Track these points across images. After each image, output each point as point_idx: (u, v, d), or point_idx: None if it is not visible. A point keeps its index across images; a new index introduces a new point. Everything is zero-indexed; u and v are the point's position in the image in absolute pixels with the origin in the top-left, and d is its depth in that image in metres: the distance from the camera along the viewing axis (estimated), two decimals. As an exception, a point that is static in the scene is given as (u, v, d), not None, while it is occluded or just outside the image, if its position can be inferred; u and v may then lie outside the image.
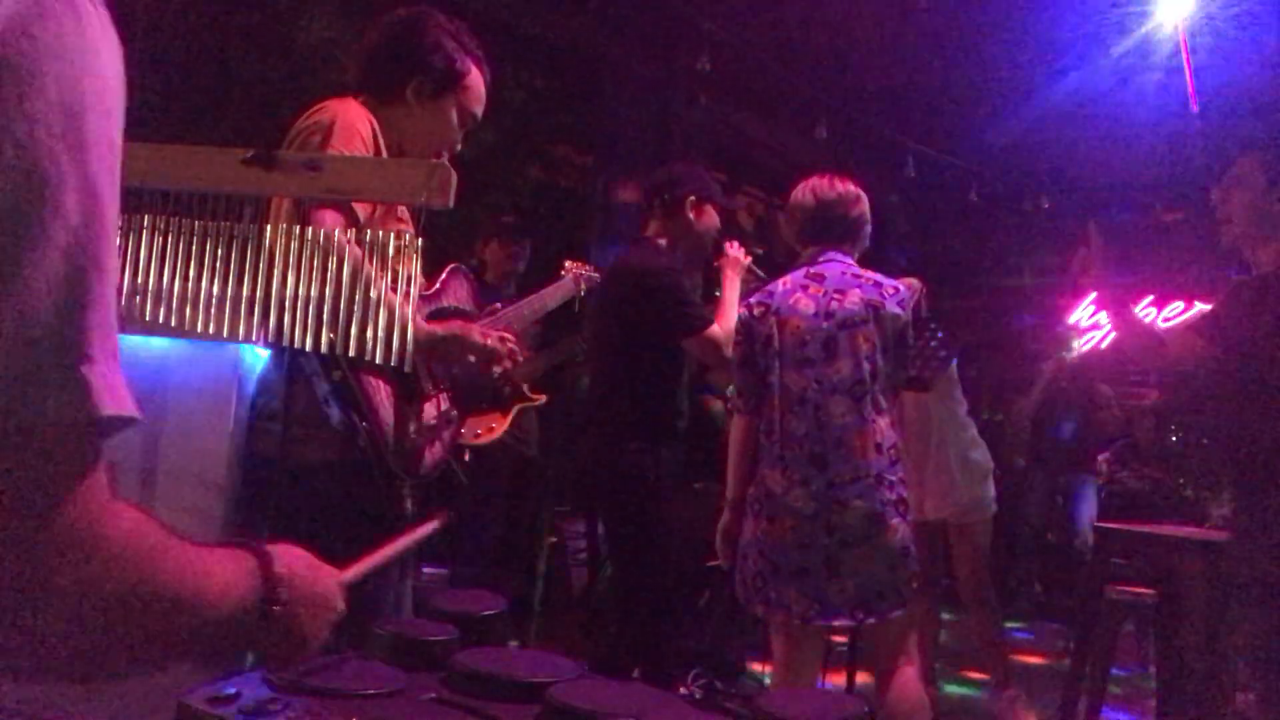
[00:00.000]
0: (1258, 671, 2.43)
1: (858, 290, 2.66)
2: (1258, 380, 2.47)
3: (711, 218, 3.32)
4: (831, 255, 2.75)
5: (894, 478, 2.59)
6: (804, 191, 2.84)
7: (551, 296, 2.78)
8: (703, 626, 4.01)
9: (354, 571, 1.10)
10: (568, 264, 3.02)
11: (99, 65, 0.57)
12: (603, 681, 1.36)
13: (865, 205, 2.83)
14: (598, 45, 5.15)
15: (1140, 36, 4.74)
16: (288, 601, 0.82)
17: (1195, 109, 5.11)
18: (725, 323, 3.13)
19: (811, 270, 2.74)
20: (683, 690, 1.36)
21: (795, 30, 5.01)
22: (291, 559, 0.85)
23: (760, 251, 3.42)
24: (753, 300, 2.82)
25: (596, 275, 3.01)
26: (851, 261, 2.77)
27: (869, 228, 2.85)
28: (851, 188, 2.83)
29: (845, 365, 2.61)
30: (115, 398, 0.56)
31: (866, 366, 2.61)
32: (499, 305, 2.49)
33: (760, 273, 3.33)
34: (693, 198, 3.27)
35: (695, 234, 3.31)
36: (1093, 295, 6.66)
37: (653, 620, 3.16)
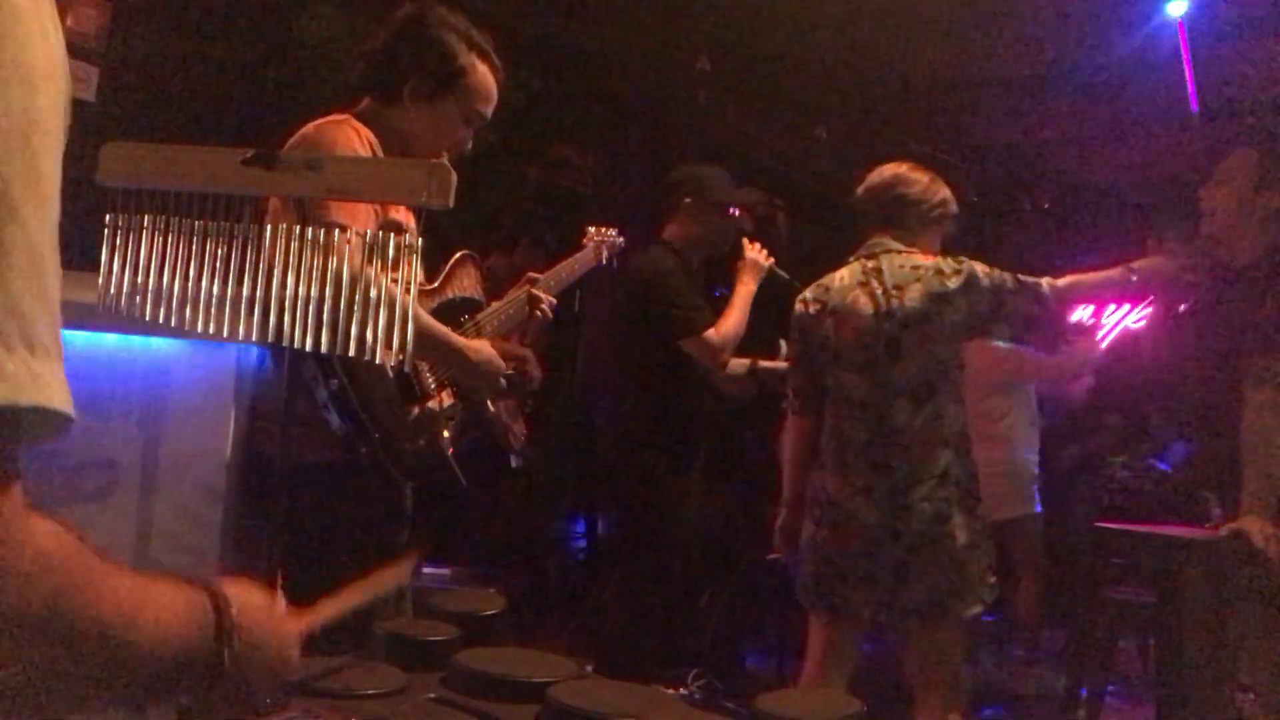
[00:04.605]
0: (1259, 673, 2.43)
1: (918, 284, 2.53)
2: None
3: (714, 219, 3.30)
4: (885, 242, 2.63)
5: (960, 472, 2.49)
6: (868, 177, 2.74)
7: (570, 269, 2.63)
8: (703, 626, 4.00)
9: (315, 619, 1.02)
10: (590, 230, 2.84)
11: (23, 37, 0.52)
12: (603, 681, 1.36)
13: (924, 187, 2.67)
14: (598, 45, 5.14)
15: (1140, 36, 4.73)
16: (239, 650, 0.73)
17: (1195, 109, 5.10)
18: (725, 326, 3.11)
19: (869, 264, 2.61)
20: (683, 690, 1.36)
21: (795, 30, 5.00)
22: (249, 602, 0.76)
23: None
24: (808, 296, 2.71)
25: (621, 240, 2.87)
26: (908, 249, 2.62)
27: (931, 209, 2.68)
28: (916, 171, 2.70)
29: (911, 365, 2.49)
30: (19, 386, 0.50)
31: (934, 365, 2.50)
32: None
33: (785, 275, 3.28)
34: (688, 200, 3.27)
35: (702, 236, 3.30)
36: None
37: (661, 621, 3.17)
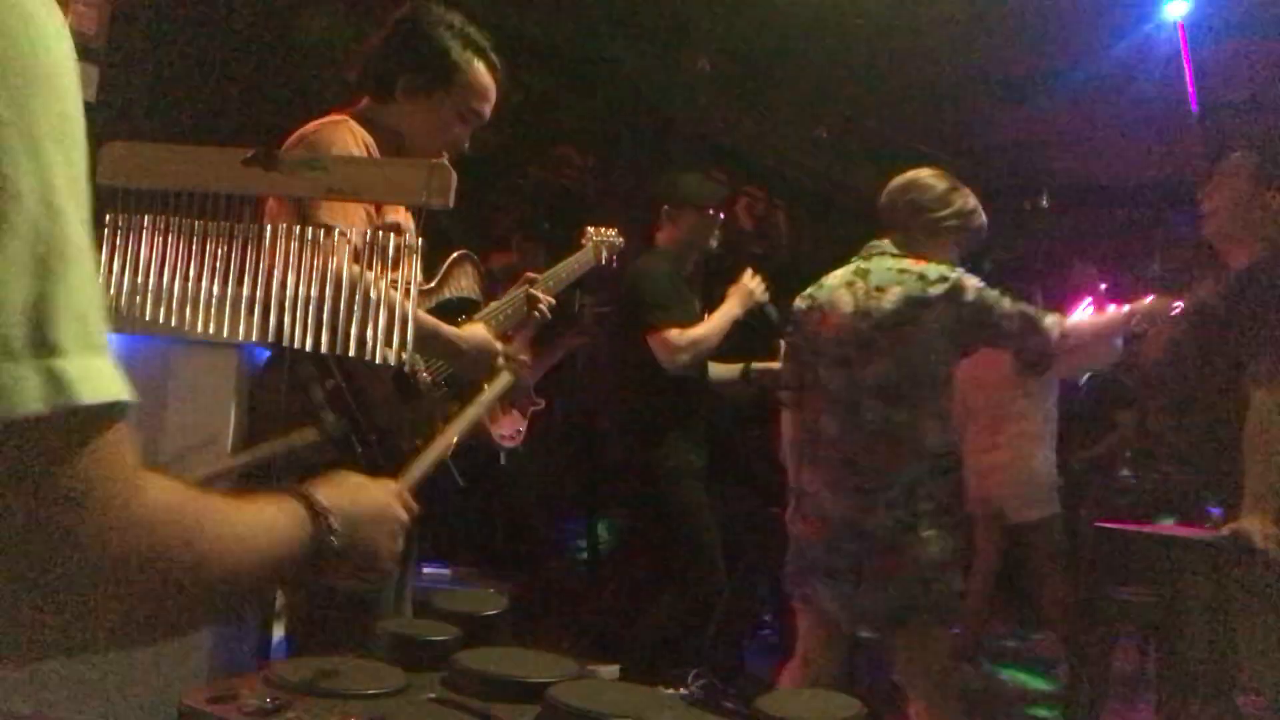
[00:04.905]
0: (1260, 673, 2.43)
1: (899, 287, 2.51)
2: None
3: (692, 221, 3.37)
4: (883, 245, 2.64)
5: (934, 488, 2.45)
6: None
7: (569, 270, 2.59)
8: (703, 627, 4.00)
9: (407, 482, 1.16)
10: (589, 229, 2.81)
11: (44, 41, 0.53)
12: (602, 681, 1.36)
13: (937, 195, 2.65)
14: (598, 45, 5.14)
15: (1140, 36, 4.73)
16: (341, 530, 0.84)
17: (1195, 109, 5.10)
18: (694, 331, 3.15)
19: (862, 265, 2.63)
20: (683, 690, 1.36)
21: (795, 30, 5.00)
22: (336, 487, 0.89)
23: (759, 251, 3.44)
24: (806, 292, 2.74)
25: (620, 241, 2.85)
26: (906, 253, 2.61)
27: (944, 218, 2.65)
28: (935, 179, 2.68)
29: (881, 366, 2.48)
30: (96, 385, 0.54)
31: (909, 370, 2.48)
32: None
33: (773, 315, 3.24)
34: (666, 207, 3.37)
35: (686, 238, 3.38)
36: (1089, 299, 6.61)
37: (698, 620, 3.20)
